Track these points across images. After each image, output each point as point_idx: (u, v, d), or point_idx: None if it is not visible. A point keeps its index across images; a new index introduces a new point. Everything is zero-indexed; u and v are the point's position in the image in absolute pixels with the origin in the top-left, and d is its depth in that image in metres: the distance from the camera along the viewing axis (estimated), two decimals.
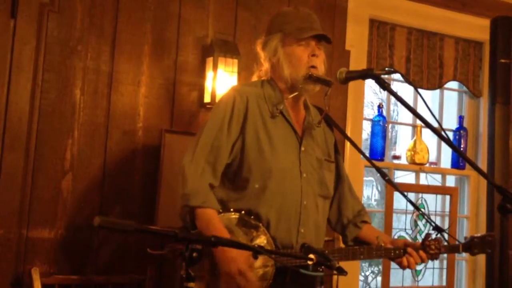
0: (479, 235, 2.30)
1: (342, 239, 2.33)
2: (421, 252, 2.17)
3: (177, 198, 2.00)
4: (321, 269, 2.01)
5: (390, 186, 2.22)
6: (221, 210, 2.00)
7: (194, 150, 2.01)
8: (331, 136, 2.28)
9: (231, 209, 2.01)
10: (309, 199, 2.08)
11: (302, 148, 2.11)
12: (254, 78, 2.24)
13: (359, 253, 2.12)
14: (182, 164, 2.00)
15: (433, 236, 2.22)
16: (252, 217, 2.00)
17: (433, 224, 2.20)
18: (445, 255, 3.68)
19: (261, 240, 1.98)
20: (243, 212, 2.00)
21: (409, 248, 2.16)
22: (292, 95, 2.10)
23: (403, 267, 2.19)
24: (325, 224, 2.22)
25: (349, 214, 2.28)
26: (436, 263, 3.77)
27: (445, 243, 2.25)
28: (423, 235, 3.67)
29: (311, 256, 1.63)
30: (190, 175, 1.97)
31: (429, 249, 2.20)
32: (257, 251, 1.54)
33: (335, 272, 1.68)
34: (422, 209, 3.65)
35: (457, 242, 2.30)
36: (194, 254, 1.37)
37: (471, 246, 2.28)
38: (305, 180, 2.08)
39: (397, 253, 2.16)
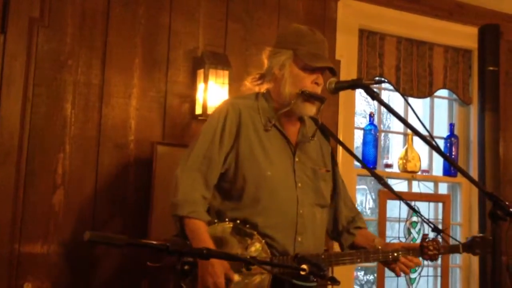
0: (480, 235, 2.26)
1: (340, 247, 2.34)
2: (410, 257, 2.16)
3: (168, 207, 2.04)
4: (314, 279, 2.02)
5: (386, 189, 2.22)
6: (216, 221, 2.03)
7: (186, 161, 2.05)
8: (327, 146, 2.31)
9: (226, 219, 2.03)
10: (306, 208, 2.10)
11: (296, 159, 2.14)
12: (248, 81, 2.24)
13: (357, 257, 2.13)
14: (175, 175, 2.04)
15: (430, 237, 2.20)
16: (248, 225, 2.01)
17: (431, 226, 2.17)
18: (439, 262, 3.68)
19: (256, 248, 1.99)
20: (238, 221, 2.02)
21: (400, 257, 2.16)
22: (283, 110, 2.11)
23: (397, 274, 2.19)
24: (324, 232, 2.24)
25: (343, 221, 2.30)
26: (431, 270, 3.77)
27: (444, 244, 2.23)
28: (417, 242, 3.68)
29: (304, 266, 1.64)
30: (181, 185, 2.01)
31: (427, 250, 2.18)
32: (249, 263, 1.54)
33: (328, 282, 1.69)
34: (416, 215, 3.66)
35: (456, 242, 2.26)
36: (186, 267, 1.36)
37: (472, 246, 2.23)
38: (300, 189, 2.10)
39: (395, 256, 2.16)
